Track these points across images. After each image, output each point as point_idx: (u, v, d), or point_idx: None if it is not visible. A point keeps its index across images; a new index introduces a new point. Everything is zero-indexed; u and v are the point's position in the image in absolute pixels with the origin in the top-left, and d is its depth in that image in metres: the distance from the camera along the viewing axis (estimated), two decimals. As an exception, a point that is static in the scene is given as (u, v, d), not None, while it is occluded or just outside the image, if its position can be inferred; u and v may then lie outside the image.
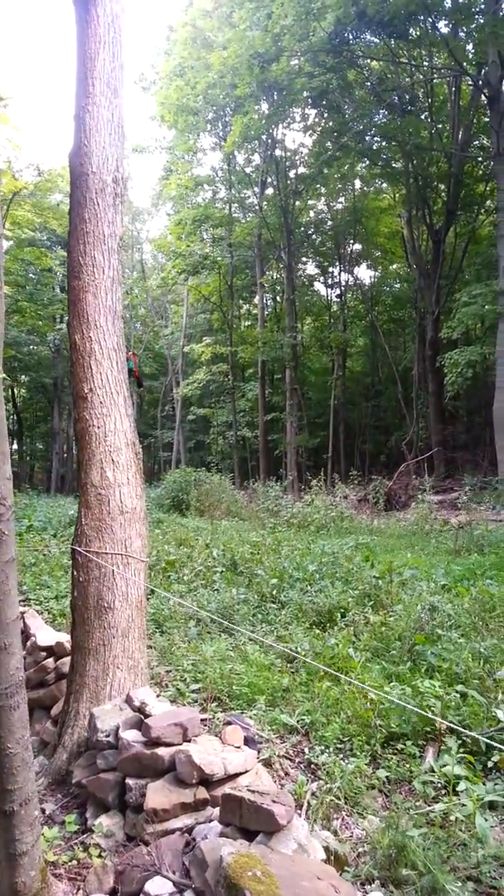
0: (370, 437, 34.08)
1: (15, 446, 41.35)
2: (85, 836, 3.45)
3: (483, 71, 20.23)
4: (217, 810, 3.02)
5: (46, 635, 5.50)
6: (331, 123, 26.38)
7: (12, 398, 38.06)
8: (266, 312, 36.58)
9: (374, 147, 26.78)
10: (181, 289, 38.71)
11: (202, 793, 3.21)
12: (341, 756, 3.91)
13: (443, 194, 26.50)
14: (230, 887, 2.27)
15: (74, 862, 3.26)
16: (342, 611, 6.69)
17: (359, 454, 33.73)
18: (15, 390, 39.45)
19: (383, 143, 26.48)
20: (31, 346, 35.13)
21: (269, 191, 31.86)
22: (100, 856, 3.23)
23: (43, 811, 3.65)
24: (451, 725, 3.20)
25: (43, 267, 32.56)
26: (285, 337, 29.26)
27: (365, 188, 32.88)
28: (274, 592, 7.70)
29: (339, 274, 36.64)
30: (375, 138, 26.45)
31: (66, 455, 41.67)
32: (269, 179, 31.51)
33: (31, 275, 33.93)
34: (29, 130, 49.55)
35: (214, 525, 15.45)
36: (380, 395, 34.49)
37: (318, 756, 3.94)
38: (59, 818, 3.69)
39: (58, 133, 63.01)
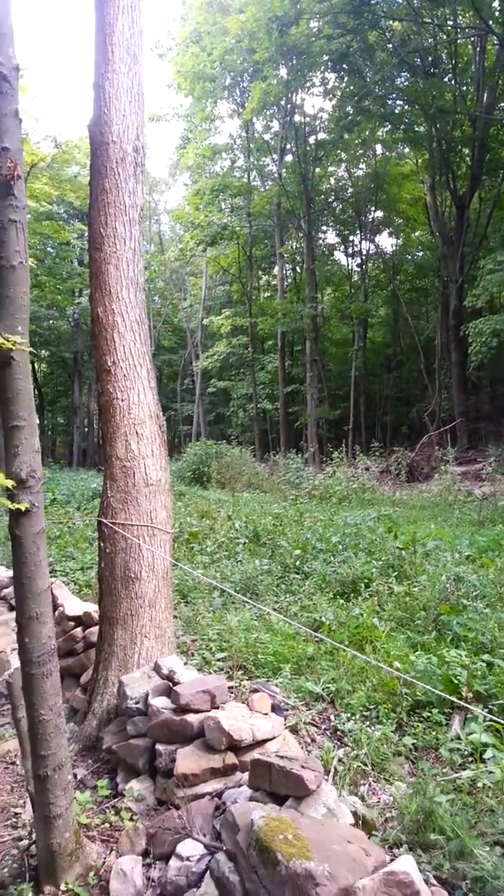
0: (392, 408, 33.78)
1: (36, 421, 41.64)
2: (116, 800, 3.54)
3: (509, 28, 19.59)
4: (246, 775, 3.07)
5: (74, 605, 5.59)
6: (351, 87, 25.71)
7: (33, 373, 37.94)
8: (286, 283, 36.20)
9: (396, 111, 26.13)
10: (199, 261, 38.43)
11: (231, 758, 3.26)
12: (367, 723, 3.94)
13: (467, 159, 25.79)
14: (262, 850, 2.32)
15: (107, 825, 3.35)
16: (366, 581, 6.70)
17: (380, 426, 33.48)
18: (36, 365, 39.63)
19: (405, 107, 25.83)
20: (51, 321, 35.20)
21: (289, 158, 31.29)
22: (131, 819, 3.31)
23: (75, 776, 3.74)
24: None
25: (61, 240, 32.44)
26: (305, 308, 28.96)
27: (386, 153, 32.17)
28: (297, 563, 7.74)
29: (360, 242, 36.06)
30: (397, 102, 25.82)
31: (87, 429, 41.95)
32: (288, 146, 30.93)
33: (49, 248, 33.84)
34: (46, 101, 49.06)
35: (236, 497, 15.52)
36: (402, 365, 34.10)
37: (344, 723, 3.97)
38: (90, 783, 3.79)
39: (74, 104, 62.43)
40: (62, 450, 46.94)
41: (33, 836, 3.01)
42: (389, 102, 25.45)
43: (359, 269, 36.44)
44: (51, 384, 45.30)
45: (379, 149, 32.40)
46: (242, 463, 21.39)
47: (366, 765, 3.50)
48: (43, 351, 38.33)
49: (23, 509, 2.63)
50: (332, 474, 18.21)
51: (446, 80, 24.53)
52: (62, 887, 2.89)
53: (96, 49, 4.53)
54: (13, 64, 2.51)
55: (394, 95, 25.02)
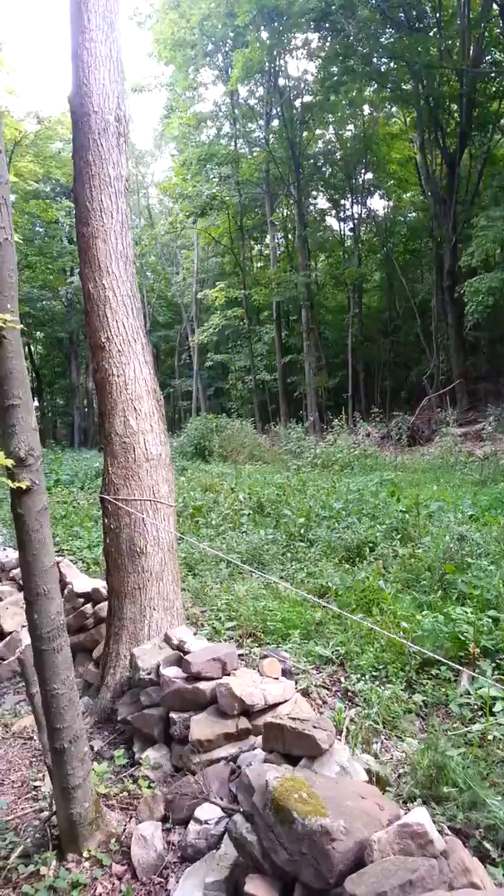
0: (390, 373, 33.59)
1: (35, 403, 41.47)
2: (133, 769, 3.61)
3: (495, -24, 19.06)
4: (259, 739, 3.12)
5: (82, 582, 5.63)
6: (336, 47, 25.11)
7: (29, 355, 38.07)
8: (278, 252, 35.76)
9: (382, 69, 25.50)
10: (190, 233, 37.92)
11: (244, 723, 3.31)
12: (377, 683, 4.00)
13: (455, 115, 25.30)
14: (277, 809, 2.36)
15: (125, 793, 3.42)
16: (371, 545, 6.75)
17: (379, 391, 33.35)
18: (32, 347, 39.40)
19: (391, 65, 25.20)
20: (44, 302, 34.89)
21: (275, 123, 30.69)
22: (149, 786, 3.38)
23: (91, 748, 3.80)
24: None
25: (49, 219, 32.03)
26: (299, 276, 28.66)
27: (374, 113, 31.52)
28: (302, 531, 7.77)
29: (352, 206, 35.53)
30: (383, 60, 25.16)
31: (86, 409, 41.84)
32: (274, 111, 30.33)
33: (38, 228, 33.43)
34: (26, 77, 48.05)
35: (238, 470, 15.54)
36: (398, 330, 33.83)
37: (354, 684, 4.03)
38: (107, 754, 3.85)
39: (56, 79, 61.13)
40: (63, 431, 46.84)
41: (54, 807, 3.07)
42: (375, 61, 24.81)
43: (351, 234, 35.95)
44: (48, 365, 45.05)
45: (367, 109, 31.74)
46: (243, 435, 21.36)
47: (377, 723, 3.56)
48: (38, 332, 38.06)
49: (24, 487, 2.63)
50: (333, 442, 18.22)
51: (431, 34, 23.91)
52: (85, 854, 2.95)
53: (72, 18, 4.43)
54: (-14, 34, 2.45)
55: (379, 53, 24.36)
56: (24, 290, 30.14)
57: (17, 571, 6.76)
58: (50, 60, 70.77)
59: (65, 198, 31.98)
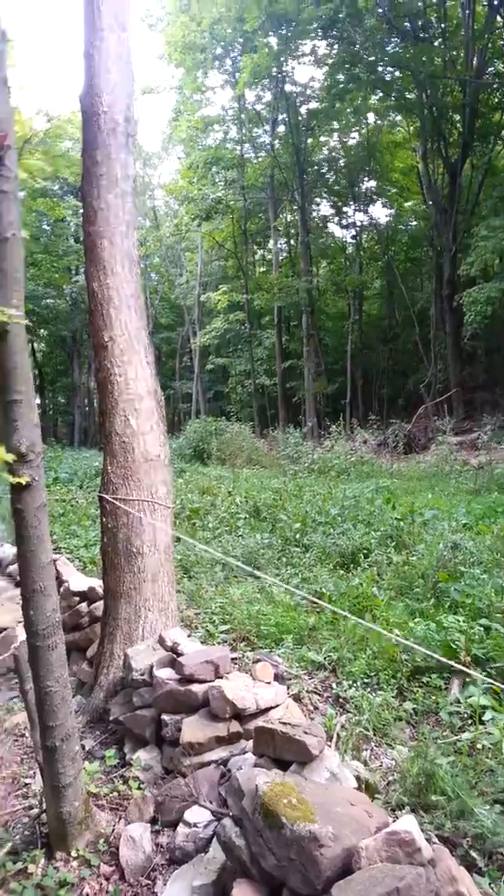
0: (388, 381, 33.62)
1: (37, 400, 41.33)
2: (124, 769, 3.60)
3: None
4: (250, 743, 3.12)
5: (79, 581, 5.63)
6: (343, 55, 25.22)
7: (32, 353, 37.98)
8: (281, 257, 35.84)
9: (387, 78, 25.61)
10: (195, 236, 37.97)
11: (235, 726, 3.31)
12: (368, 690, 4.01)
13: (458, 126, 25.41)
14: (267, 814, 2.36)
15: (115, 793, 3.41)
16: (365, 552, 6.76)
17: (377, 399, 33.39)
18: (35, 345, 39.28)
19: (396, 74, 25.32)
20: (49, 300, 34.86)
21: (281, 129, 30.80)
22: (139, 788, 3.37)
23: (83, 747, 3.79)
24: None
25: (56, 217, 32.01)
26: (300, 282, 28.72)
27: (379, 122, 31.62)
28: (297, 536, 7.79)
29: (354, 214, 35.63)
30: (388, 69, 25.28)
31: (87, 409, 41.77)
32: (280, 116, 30.42)
33: (44, 226, 33.42)
34: (36, 76, 48.02)
35: (236, 473, 15.55)
36: (397, 338, 33.89)
37: (345, 690, 4.04)
38: (98, 753, 3.86)
39: (66, 79, 61.10)
40: (64, 430, 46.74)
41: (44, 805, 3.07)
42: (380, 69, 24.92)
43: (353, 241, 36.06)
44: (50, 364, 44.89)
45: (371, 117, 31.84)
46: (242, 439, 21.40)
47: (367, 730, 3.57)
48: (42, 330, 38.00)
49: (24, 483, 2.64)
50: (330, 448, 18.25)
51: (436, 44, 24.03)
52: (73, 853, 2.95)
53: (85, 17, 4.45)
54: (-1, 31, 2.47)
55: (384, 62, 24.47)
56: (29, 288, 30.14)
57: (13, 567, 6.76)
58: (61, 60, 70.82)
59: (72, 197, 31.95)
